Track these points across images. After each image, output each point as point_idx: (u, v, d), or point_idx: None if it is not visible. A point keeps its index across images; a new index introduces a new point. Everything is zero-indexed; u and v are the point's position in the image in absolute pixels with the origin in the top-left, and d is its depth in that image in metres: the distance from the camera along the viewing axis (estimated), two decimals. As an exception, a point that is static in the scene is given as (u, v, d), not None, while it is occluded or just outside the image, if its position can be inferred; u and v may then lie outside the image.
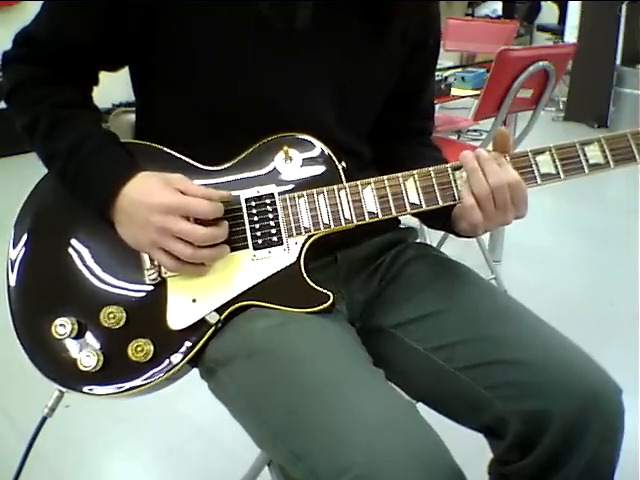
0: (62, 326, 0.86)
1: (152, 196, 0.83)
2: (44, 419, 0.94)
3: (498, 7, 6.62)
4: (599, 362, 0.87)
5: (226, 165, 0.90)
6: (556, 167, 0.86)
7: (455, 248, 0.89)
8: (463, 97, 2.59)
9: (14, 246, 0.91)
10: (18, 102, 0.92)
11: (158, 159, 0.90)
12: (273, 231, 0.87)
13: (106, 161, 0.88)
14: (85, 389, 0.87)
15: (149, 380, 0.85)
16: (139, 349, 0.85)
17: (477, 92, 2.41)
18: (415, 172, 0.88)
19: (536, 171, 0.87)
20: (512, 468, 0.88)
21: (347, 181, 0.89)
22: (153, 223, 0.82)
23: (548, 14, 6.44)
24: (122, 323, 0.86)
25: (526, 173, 0.86)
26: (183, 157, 0.90)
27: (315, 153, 0.90)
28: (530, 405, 0.84)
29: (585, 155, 0.86)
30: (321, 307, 0.86)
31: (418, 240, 1.09)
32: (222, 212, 0.84)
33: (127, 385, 0.86)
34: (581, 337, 0.90)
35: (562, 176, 0.87)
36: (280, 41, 0.87)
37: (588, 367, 0.86)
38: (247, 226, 0.88)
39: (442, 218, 0.95)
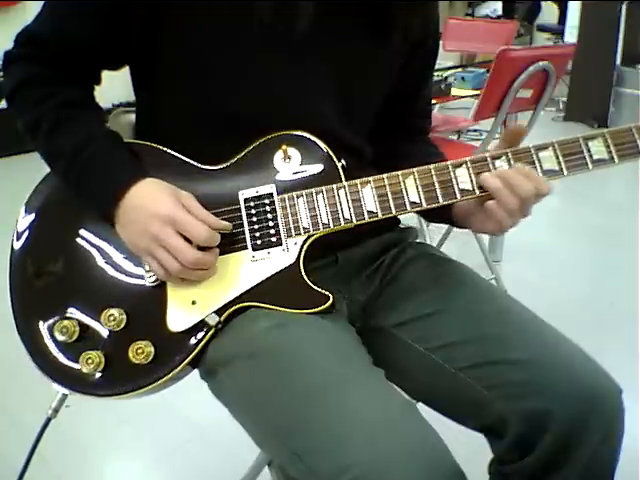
0: (64, 328, 0.87)
1: (156, 204, 0.83)
2: (48, 420, 0.94)
3: (498, 7, 6.62)
4: (599, 362, 0.87)
5: (225, 164, 0.90)
6: (559, 163, 0.85)
7: (455, 248, 0.89)
8: (463, 97, 2.60)
9: (15, 247, 0.92)
10: (21, 102, 0.92)
11: (158, 159, 0.90)
12: (272, 231, 0.87)
13: (111, 162, 0.88)
14: (86, 391, 0.87)
15: (150, 382, 0.85)
16: (140, 351, 0.85)
17: (477, 92, 2.41)
18: (415, 170, 0.87)
19: (539, 167, 0.85)
20: (512, 468, 0.88)
21: (347, 180, 0.88)
22: (150, 230, 0.82)
23: (548, 14, 6.44)
24: (123, 325, 0.86)
25: None
26: (182, 157, 0.90)
27: (314, 151, 0.90)
28: (530, 405, 0.84)
29: (589, 150, 0.85)
30: (321, 308, 0.86)
31: (418, 240, 1.09)
32: (217, 242, 0.84)
33: (128, 387, 0.86)
34: (581, 337, 0.90)
35: (565, 172, 0.85)
36: (282, 41, 0.87)
37: (588, 367, 0.86)
38: (246, 227, 0.88)
39: (444, 214, 0.95)
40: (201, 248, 0.83)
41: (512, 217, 0.85)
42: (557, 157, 0.85)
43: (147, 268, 0.87)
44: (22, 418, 1.74)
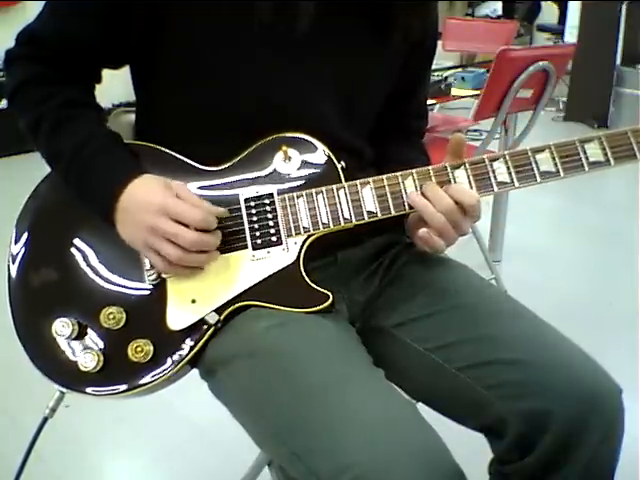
0: (62, 327, 0.87)
1: (149, 196, 0.83)
2: (45, 419, 0.94)
3: (498, 7, 6.62)
4: (599, 362, 0.87)
5: (225, 165, 0.90)
6: (556, 165, 0.86)
7: (455, 248, 0.89)
8: (463, 97, 2.60)
9: (15, 247, 0.92)
10: (22, 101, 0.92)
11: (158, 160, 0.90)
12: (272, 231, 0.87)
13: (110, 162, 0.88)
14: (85, 389, 0.87)
15: (149, 380, 0.85)
16: (139, 349, 0.85)
17: (477, 92, 2.41)
18: (414, 171, 0.88)
19: (535, 169, 0.86)
20: (512, 468, 0.88)
21: (347, 181, 0.89)
22: (145, 221, 0.83)
23: (548, 14, 6.44)
24: (122, 324, 0.86)
25: (525, 171, 0.86)
26: (183, 158, 0.90)
27: (314, 152, 0.90)
28: (530, 405, 0.84)
29: (585, 153, 0.86)
30: (320, 307, 0.86)
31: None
32: (214, 224, 0.84)
33: (127, 385, 0.86)
34: (581, 337, 0.90)
35: (562, 174, 0.86)
36: (282, 41, 0.87)
37: (588, 367, 0.86)
38: (246, 226, 0.88)
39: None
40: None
41: (443, 237, 0.86)
42: (554, 159, 0.86)
43: (147, 267, 0.87)
44: (22, 419, 1.74)
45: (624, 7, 4.73)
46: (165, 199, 0.82)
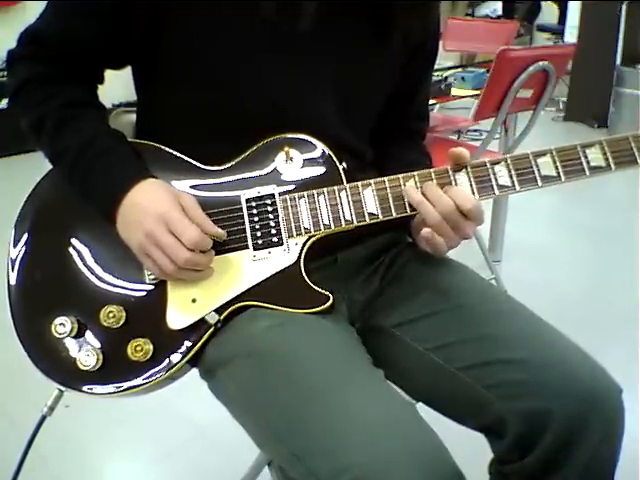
0: (62, 325, 0.87)
1: (154, 203, 0.83)
2: (43, 418, 0.94)
3: (498, 7, 6.61)
4: (599, 362, 0.87)
5: (227, 165, 0.90)
6: (557, 169, 0.86)
7: (455, 248, 0.89)
8: (463, 97, 2.60)
9: (14, 245, 0.92)
10: (24, 101, 0.92)
11: (161, 159, 0.91)
12: (273, 231, 0.88)
13: (113, 162, 0.88)
14: (84, 388, 0.87)
15: (148, 380, 0.85)
16: (138, 348, 0.85)
17: (477, 92, 2.41)
18: (416, 173, 0.88)
19: (537, 173, 0.86)
20: (512, 467, 0.88)
21: (348, 182, 0.89)
22: (144, 226, 0.83)
23: (548, 14, 6.44)
24: (122, 322, 0.87)
25: (526, 175, 0.86)
26: (184, 157, 0.91)
27: (316, 153, 0.90)
28: (530, 404, 0.84)
29: (586, 157, 0.86)
30: (320, 308, 0.86)
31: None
32: (208, 246, 0.84)
33: (126, 384, 0.86)
34: (581, 337, 0.90)
35: (563, 178, 0.86)
36: (284, 41, 0.87)
37: (588, 366, 0.86)
38: (247, 226, 0.88)
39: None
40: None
41: (443, 236, 0.87)
42: (555, 163, 0.86)
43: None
44: (21, 421, 1.73)
45: (624, 7, 4.73)
46: (169, 210, 0.82)
